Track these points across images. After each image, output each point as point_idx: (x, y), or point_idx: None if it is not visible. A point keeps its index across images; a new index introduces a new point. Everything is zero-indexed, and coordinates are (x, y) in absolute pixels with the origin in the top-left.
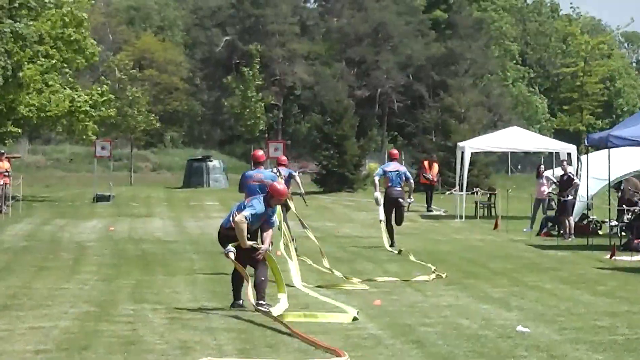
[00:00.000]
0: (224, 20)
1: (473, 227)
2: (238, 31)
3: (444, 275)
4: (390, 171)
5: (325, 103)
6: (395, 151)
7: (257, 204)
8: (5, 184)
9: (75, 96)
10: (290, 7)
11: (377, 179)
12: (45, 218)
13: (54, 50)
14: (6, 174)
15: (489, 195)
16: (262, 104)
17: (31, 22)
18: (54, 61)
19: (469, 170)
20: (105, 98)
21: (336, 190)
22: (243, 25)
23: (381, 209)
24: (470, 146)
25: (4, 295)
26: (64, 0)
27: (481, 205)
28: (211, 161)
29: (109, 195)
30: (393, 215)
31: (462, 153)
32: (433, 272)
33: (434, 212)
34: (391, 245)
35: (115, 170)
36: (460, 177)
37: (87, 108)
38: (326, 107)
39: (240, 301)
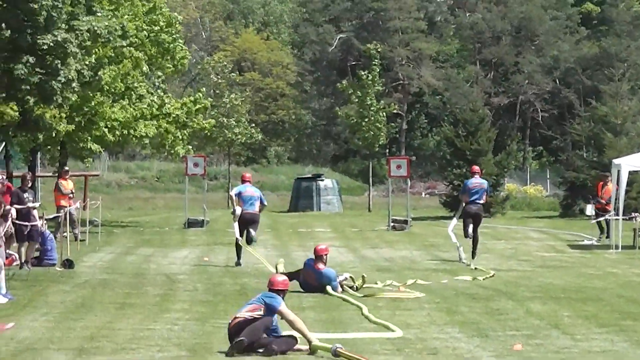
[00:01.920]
0: (338, 15)
1: (631, 260)
2: (355, 28)
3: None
4: (471, 188)
5: (457, 112)
6: (477, 168)
7: (276, 296)
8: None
9: (166, 104)
10: (415, 0)
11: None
12: (128, 247)
13: (139, 51)
14: (71, 195)
15: None
16: (383, 113)
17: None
18: (138, 61)
19: (626, 192)
20: (199, 105)
21: None
22: (361, 21)
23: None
24: (628, 163)
25: (80, 337)
26: None
27: None
28: (322, 180)
29: (203, 220)
30: (471, 227)
31: (618, 172)
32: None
33: (585, 242)
34: (472, 258)
35: (210, 191)
36: (616, 199)
37: (180, 115)
38: (458, 117)
39: None
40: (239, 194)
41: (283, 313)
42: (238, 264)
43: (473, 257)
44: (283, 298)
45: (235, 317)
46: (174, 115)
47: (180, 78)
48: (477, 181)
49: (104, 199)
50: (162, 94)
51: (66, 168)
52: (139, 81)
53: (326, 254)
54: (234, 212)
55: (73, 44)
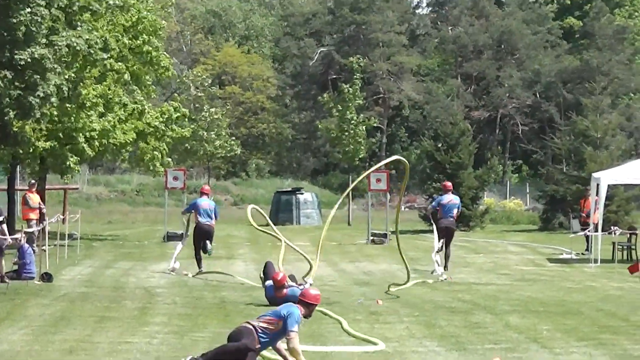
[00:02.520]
0: (319, 29)
1: (610, 273)
2: (336, 41)
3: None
4: (445, 204)
5: (438, 126)
6: (450, 184)
7: (297, 313)
8: (38, 220)
9: (144, 116)
10: (397, 14)
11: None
12: (107, 260)
13: (120, 63)
14: (42, 208)
15: (629, 236)
16: (364, 127)
17: (91, 28)
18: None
19: (606, 206)
20: (178, 114)
21: None
22: (342, 34)
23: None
24: (608, 177)
25: (59, 350)
26: (131, 2)
27: (620, 247)
28: (302, 194)
29: (182, 234)
30: (442, 242)
31: (598, 185)
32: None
33: (564, 256)
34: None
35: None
36: (587, 213)
37: (159, 125)
38: (439, 130)
39: None
40: (194, 205)
41: (291, 338)
42: (200, 271)
43: (445, 269)
44: (308, 316)
45: (248, 322)
46: (153, 125)
47: (160, 92)
48: (450, 197)
49: (84, 212)
50: (142, 105)
51: (32, 181)
52: (119, 95)
53: (284, 283)
54: (185, 234)
55: (51, 60)
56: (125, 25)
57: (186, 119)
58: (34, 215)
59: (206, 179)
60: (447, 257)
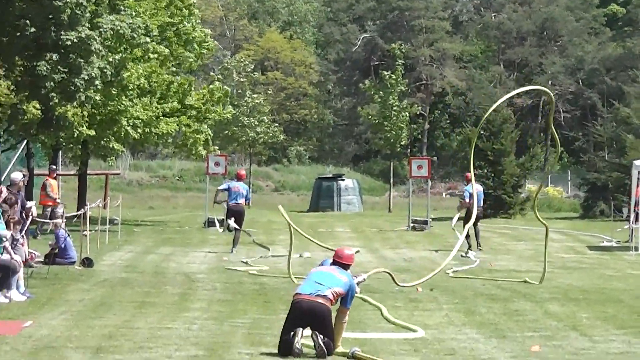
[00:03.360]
0: (362, 15)
1: None
2: (379, 28)
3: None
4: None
5: (480, 113)
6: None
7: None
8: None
9: (187, 95)
10: (440, 0)
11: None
12: (148, 245)
13: (162, 47)
14: (58, 200)
15: None
16: (406, 113)
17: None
18: (161, 56)
19: None
20: (220, 94)
21: (491, 215)
22: (385, 20)
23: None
24: None
25: (99, 336)
26: None
27: None
28: (343, 180)
29: (223, 220)
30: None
31: (639, 173)
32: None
33: (605, 243)
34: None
35: None
36: (635, 201)
37: (200, 105)
38: (481, 117)
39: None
40: (227, 188)
41: (347, 313)
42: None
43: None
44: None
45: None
46: (196, 107)
47: (203, 77)
48: (477, 187)
49: (125, 197)
50: (187, 82)
51: (53, 166)
52: (162, 75)
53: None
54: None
55: (97, 41)
56: (163, 6)
57: (228, 99)
58: (51, 203)
59: (247, 164)
60: (478, 234)
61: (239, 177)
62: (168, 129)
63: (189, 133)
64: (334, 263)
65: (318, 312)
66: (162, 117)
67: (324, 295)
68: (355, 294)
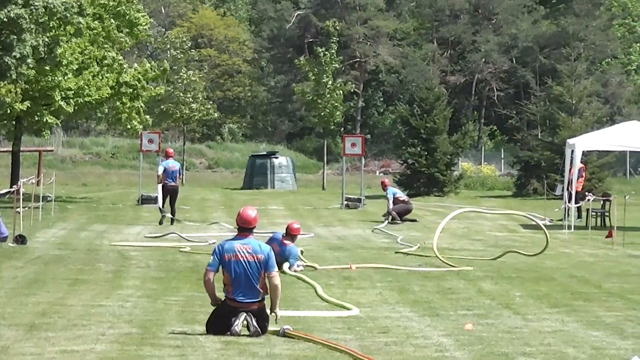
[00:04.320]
0: None
1: (583, 240)
2: (313, 4)
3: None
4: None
5: (414, 90)
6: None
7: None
8: None
9: (122, 73)
10: None
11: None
12: (81, 223)
13: (97, 23)
14: None
15: (602, 202)
16: (340, 91)
17: None
18: (95, 34)
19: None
20: (155, 73)
21: (424, 193)
22: None
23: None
24: (582, 144)
25: (32, 313)
26: None
27: (593, 213)
28: (277, 158)
29: (157, 197)
30: None
31: (572, 152)
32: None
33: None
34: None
35: None
36: (569, 180)
37: (136, 83)
38: (414, 95)
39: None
40: (164, 169)
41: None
42: (161, 222)
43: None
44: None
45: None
46: (129, 83)
47: (137, 53)
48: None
49: (58, 174)
50: (119, 61)
51: None
52: (94, 51)
53: (297, 235)
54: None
55: (27, 20)
56: None
57: (165, 76)
58: None
59: (181, 141)
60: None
61: (169, 155)
62: (100, 94)
63: (123, 109)
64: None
65: (254, 310)
66: (92, 82)
67: (257, 292)
68: (288, 272)
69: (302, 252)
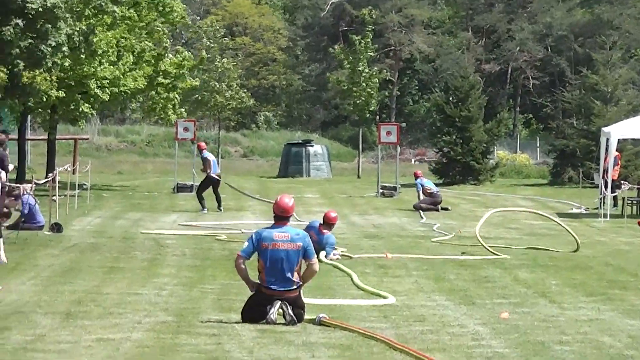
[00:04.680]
0: None
1: (619, 228)
2: None
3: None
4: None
5: (448, 79)
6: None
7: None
8: None
9: (160, 61)
10: None
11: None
12: (116, 211)
13: (132, 11)
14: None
15: (638, 190)
16: (375, 80)
17: None
18: (132, 22)
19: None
20: (190, 64)
21: (459, 182)
22: None
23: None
24: (617, 132)
25: (68, 301)
26: None
27: (629, 202)
28: (312, 146)
29: (192, 185)
30: None
31: (607, 140)
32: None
33: (573, 210)
34: None
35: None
36: (604, 169)
37: (172, 72)
38: (449, 83)
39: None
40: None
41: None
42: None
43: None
44: None
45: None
46: (167, 72)
47: (172, 42)
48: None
49: (93, 163)
50: (158, 51)
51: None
52: (131, 42)
53: (334, 223)
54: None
55: (62, 8)
56: None
57: (201, 67)
58: None
59: (216, 130)
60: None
61: (202, 149)
62: (136, 85)
63: (158, 100)
64: (278, 218)
65: (289, 298)
66: (128, 73)
67: (292, 281)
68: (325, 260)
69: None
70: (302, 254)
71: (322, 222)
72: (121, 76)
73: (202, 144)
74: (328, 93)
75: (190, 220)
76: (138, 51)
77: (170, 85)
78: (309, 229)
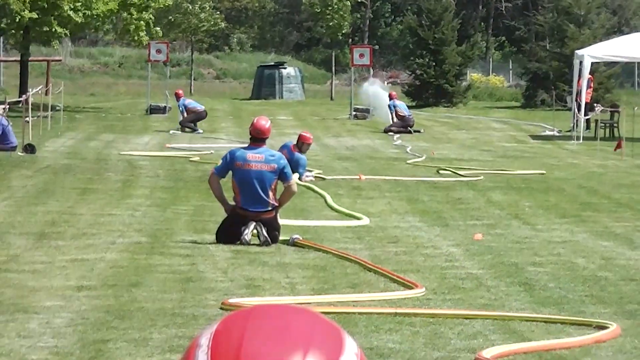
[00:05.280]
0: None
1: (592, 151)
2: None
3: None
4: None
5: (421, 1)
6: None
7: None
8: None
9: None
10: None
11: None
12: (90, 132)
13: None
14: None
15: (611, 113)
16: (347, 2)
17: None
18: None
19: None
20: None
21: (432, 104)
22: None
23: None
24: (590, 54)
25: (42, 222)
26: None
27: (602, 124)
28: (285, 68)
29: (165, 107)
30: None
31: (581, 63)
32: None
33: (546, 132)
34: None
35: (173, 77)
36: (577, 91)
37: None
38: (422, 6)
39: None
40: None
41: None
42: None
43: None
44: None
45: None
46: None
47: None
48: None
49: (66, 84)
50: None
51: None
52: None
53: (309, 144)
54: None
55: None
56: None
57: None
58: None
59: (189, 52)
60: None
61: (181, 95)
62: (107, 9)
63: (130, 20)
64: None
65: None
66: None
67: (267, 202)
68: (298, 182)
69: None
70: (277, 175)
71: (295, 142)
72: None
73: (179, 91)
74: (301, 15)
75: (163, 142)
76: None
77: (143, 5)
78: (282, 148)
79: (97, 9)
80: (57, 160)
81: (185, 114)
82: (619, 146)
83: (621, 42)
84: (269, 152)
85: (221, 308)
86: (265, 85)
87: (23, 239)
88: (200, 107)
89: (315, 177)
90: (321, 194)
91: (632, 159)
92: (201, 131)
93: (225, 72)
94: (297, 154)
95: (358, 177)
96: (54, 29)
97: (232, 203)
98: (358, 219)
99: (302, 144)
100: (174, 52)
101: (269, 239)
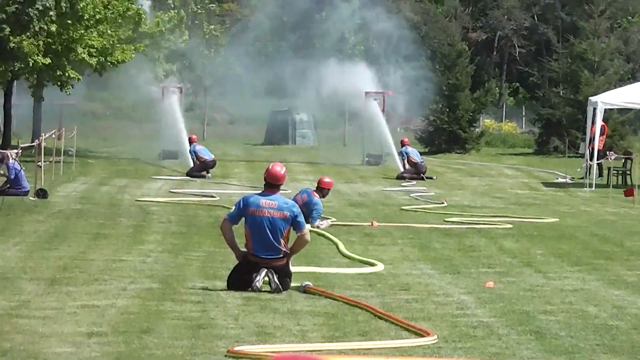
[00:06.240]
0: None
1: (605, 198)
2: None
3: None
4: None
5: (435, 47)
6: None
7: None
8: None
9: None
10: None
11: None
12: (102, 177)
13: None
14: None
15: (624, 160)
16: (361, 47)
17: None
18: None
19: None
20: (174, 22)
21: (445, 150)
22: None
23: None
24: (604, 101)
25: (53, 267)
26: None
27: (615, 171)
28: (298, 114)
29: (177, 152)
30: None
31: (594, 109)
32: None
33: (559, 180)
34: None
35: (186, 122)
36: (590, 138)
37: (154, 31)
38: (436, 51)
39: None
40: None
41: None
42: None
43: None
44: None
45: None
46: (149, 33)
47: (157, 8)
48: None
49: (80, 128)
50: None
51: None
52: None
53: (329, 189)
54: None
55: None
56: None
57: (182, 25)
58: None
59: (202, 96)
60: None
61: (193, 141)
62: (124, 57)
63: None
64: (268, 186)
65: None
66: (117, 45)
67: (279, 249)
68: (312, 228)
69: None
70: (290, 224)
71: (315, 188)
72: (109, 47)
73: (193, 137)
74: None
75: (176, 187)
76: (123, 10)
77: (155, 44)
78: (301, 192)
79: (114, 56)
80: (69, 205)
81: (194, 159)
82: (630, 193)
83: (635, 89)
84: (283, 199)
85: (226, 355)
86: (277, 131)
87: (34, 285)
88: (209, 157)
89: (332, 224)
90: (333, 241)
91: None
92: (210, 176)
93: (239, 117)
94: (316, 199)
95: (370, 223)
96: (67, 73)
97: (244, 249)
98: (373, 265)
99: (322, 189)
100: (188, 97)
101: (280, 286)
